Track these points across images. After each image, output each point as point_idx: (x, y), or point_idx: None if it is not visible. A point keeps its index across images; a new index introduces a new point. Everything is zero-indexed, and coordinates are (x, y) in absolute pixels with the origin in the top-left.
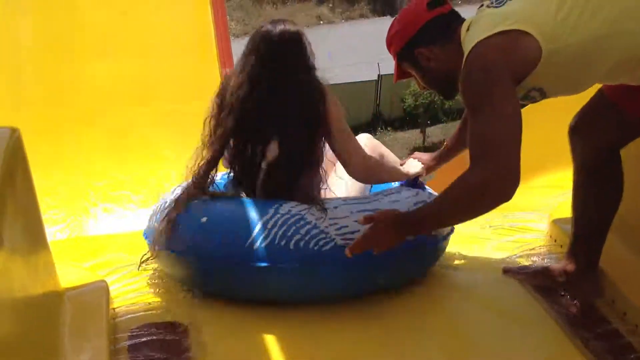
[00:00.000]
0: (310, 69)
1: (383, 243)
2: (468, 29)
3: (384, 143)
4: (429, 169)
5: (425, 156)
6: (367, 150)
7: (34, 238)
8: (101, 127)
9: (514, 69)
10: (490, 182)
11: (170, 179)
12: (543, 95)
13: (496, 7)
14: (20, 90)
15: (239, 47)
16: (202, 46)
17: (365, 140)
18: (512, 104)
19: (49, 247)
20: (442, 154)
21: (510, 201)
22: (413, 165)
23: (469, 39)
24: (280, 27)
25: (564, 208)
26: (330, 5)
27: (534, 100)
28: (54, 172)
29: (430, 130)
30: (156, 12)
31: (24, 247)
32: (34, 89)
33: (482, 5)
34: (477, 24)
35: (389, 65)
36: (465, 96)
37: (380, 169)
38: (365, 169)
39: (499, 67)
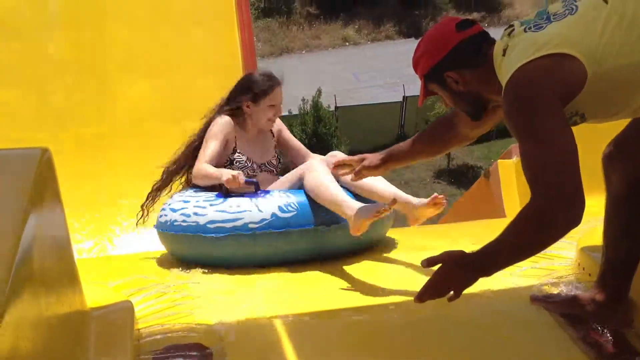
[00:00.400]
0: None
1: (452, 286)
2: (504, 54)
3: (407, 166)
4: (373, 169)
5: (371, 156)
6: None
7: (61, 257)
8: (129, 145)
9: (561, 93)
10: (557, 210)
11: None
12: (583, 120)
13: (535, 31)
14: (50, 107)
15: (265, 67)
16: (229, 66)
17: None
18: (565, 126)
19: (76, 266)
20: (389, 159)
21: None
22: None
23: (508, 64)
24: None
25: (593, 235)
26: (356, 26)
27: (574, 124)
28: (81, 190)
29: (455, 152)
30: (185, 32)
31: (52, 267)
32: (63, 106)
33: (511, 28)
34: (516, 48)
35: (413, 87)
36: (512, 122)
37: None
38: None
39: (547, 91)
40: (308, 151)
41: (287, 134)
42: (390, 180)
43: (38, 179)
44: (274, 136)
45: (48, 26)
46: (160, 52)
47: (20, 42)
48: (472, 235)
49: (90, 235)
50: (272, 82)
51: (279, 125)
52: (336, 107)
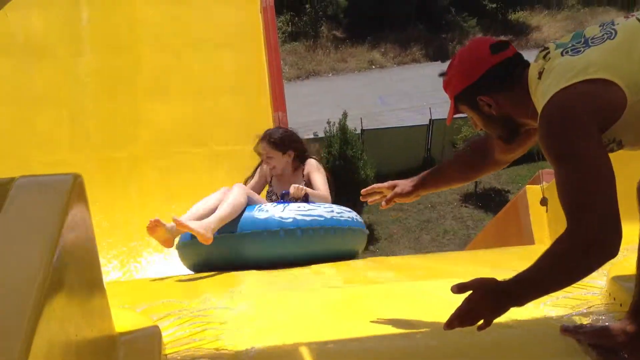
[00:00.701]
0: None
1: (482, 315)
2: (539, 77)
3: None
4: (405, 196)
5: (402, 183)
6: None
7: (91, 281)
8: (158, 167)
9: (599, 119)
10: (594, 239)
11: None
12: (620, 146)
13: (573, 55)
14: (82, 130)
15: (291, 90)
16: (255, 89)
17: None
18: (603, 153)
19: (105, 290)
20: (421, 185)
21: None
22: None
23: (545, 88)
24: None
25: (625, 265)
26: (383, 50)
27: (611, 151)
28: (111, 212)
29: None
30: (213, 57)
31: (81, 291)
32: (95, 129)
33: (546, 50)
34: (553, 72)
35: (440, 110)
36: (549, 147)
37: None
38: None
39: (586, 116)
40: (324, 194)
41: (314, 176)
42: (417, 203)
43: (69, 205)
44: (303, 176)
45: (81, 51)
46: (189, 76)
47: (55, 67)
48: (500, 263)
49: (119, 257)
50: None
51: (309, 167)
52: (362, 130)
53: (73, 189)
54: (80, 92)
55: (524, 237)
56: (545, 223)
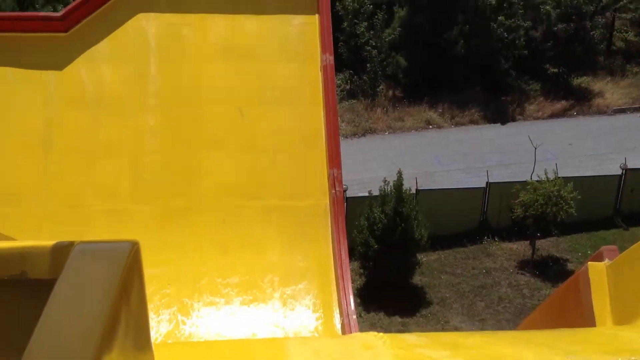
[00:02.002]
0: None
1: None
2: None
3: (489, 253)
4: None
5: None
6: None
7: (140, 344)
8: (211, 217)
9: None
10: None
11: (274, 283)
12: None
13: None
14: (142, 180)
15: (347, 147)
16: (312, 145)
17: None
18: None
19: (152, 352)
20: None
21: (626, 342)
22: None
23: None
24: None
25: None
26: (440, 110)
27: None
28: (163, 259)
29: (540, 243)
30: (272, 112)
31: (131, 352)
32: (154, 179)
33: None
34: None
35: (497, 173)
36: None
37: None
38: None
39: None
40: None
41: None
42: (471, 267)
43: (126, 274)
44: None
45: (146, 104)
46: (248, 130)
47: (120, 119)
48: (559, 347)
49: (170, 307)
50: None
51: None
52: (417, 190)
53: (130, 257)
54: (143, 143)
55: (585, 318)
56: (608, 304)
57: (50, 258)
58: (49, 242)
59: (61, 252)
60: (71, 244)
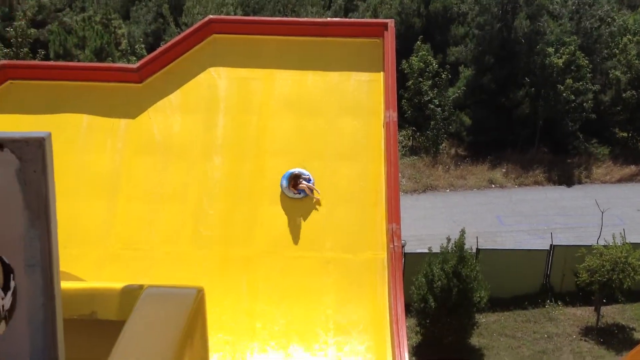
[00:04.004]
0: None
1: None
2: None
3: (551, 317)
4: None
5: None
6: None
7: None
8: (268, 267)
9: None
10: None
11: (328, 335)
12: None
13: None
14: (202, 226)
15: (407, 203)
16: (372, 200)
17: None
18: None
19: None
20: None
21: None
22: None
23: None
24: None
25: None
26: (504, 170)
27: None
28: (219, 305)
29: (605, 309)
30: (334, 166)
31: None
32: (214, 226)
33: None
34: None
35: (561, 235)
36: None
37: None
38: None
39: None
40: None
41: None
42: (532, 332)
43: (191, 320)
44: None
45: (211, 155)
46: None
47: (186, 168)
48: None
49: (224, 356)
50: None
51: None
52: (477, 249)
53: (195, 303)
54: (206, 191)
55: None
56: None
57: (120, 300)
58: (119, 284)
59: (130, 294)
60: (140, 287)
